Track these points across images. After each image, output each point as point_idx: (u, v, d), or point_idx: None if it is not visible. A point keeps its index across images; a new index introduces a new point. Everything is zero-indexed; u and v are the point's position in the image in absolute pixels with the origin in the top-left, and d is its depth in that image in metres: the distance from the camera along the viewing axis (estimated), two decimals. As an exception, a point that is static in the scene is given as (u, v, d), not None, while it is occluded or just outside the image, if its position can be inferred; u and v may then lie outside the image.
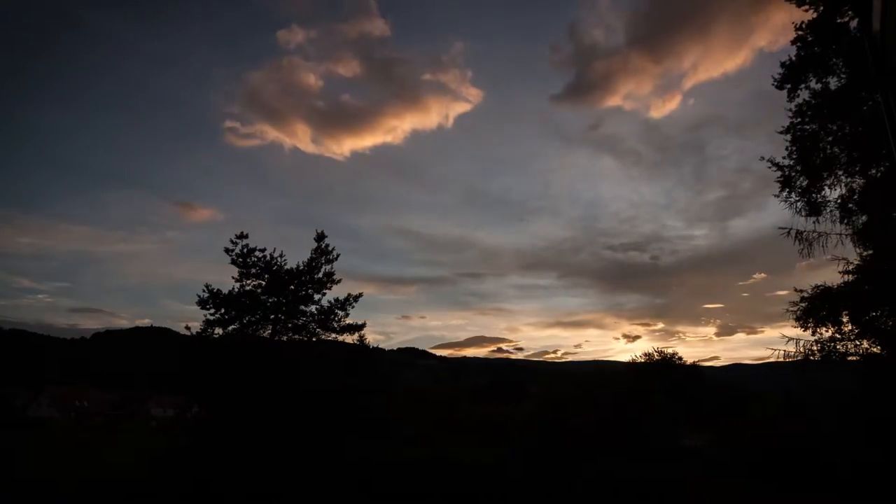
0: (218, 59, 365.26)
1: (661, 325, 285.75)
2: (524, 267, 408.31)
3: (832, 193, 12.95)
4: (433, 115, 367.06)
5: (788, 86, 12.92)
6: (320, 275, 17.80)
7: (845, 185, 12.70)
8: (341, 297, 17.79)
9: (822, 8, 12.09)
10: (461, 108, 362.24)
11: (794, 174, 13.20)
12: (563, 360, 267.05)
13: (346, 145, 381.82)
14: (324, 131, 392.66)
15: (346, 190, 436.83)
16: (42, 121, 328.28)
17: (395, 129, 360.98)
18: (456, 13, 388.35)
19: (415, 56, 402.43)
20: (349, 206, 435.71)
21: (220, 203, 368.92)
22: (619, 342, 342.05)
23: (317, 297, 17.75)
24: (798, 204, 13.24)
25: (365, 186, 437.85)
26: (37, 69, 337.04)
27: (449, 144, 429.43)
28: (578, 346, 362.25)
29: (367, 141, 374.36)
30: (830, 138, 12.61)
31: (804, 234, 13.21)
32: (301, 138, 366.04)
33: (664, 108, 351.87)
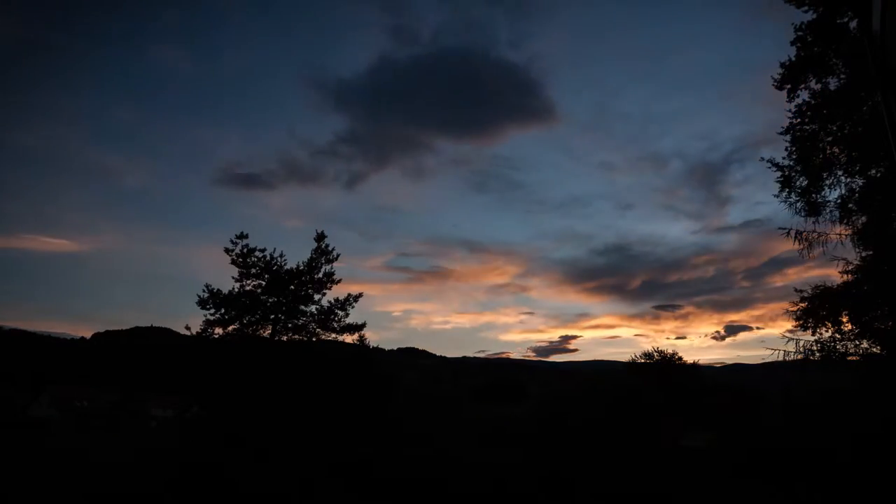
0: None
1: (661, 325, 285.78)
2: (522, 265, 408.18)
3: (832, 193, 12.95)
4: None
5: (788, 86, 12.92)
6: (320, 275, 17.82)
7: (845, 186, 12.69)
8: (341, 297, 17.84)
9: (821, 9, 12.08)
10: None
11: (793, 174, 13.20)
12: (563, 360, 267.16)
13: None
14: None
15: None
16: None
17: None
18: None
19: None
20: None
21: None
22: (620, 342, 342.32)
23: (317, 297, 17.78)
24: (798, 204, 13.24)
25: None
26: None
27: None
28: (579, 345, 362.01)
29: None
30: (830, 138, 12.60)
31: (804, 234, 13.21)
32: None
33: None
